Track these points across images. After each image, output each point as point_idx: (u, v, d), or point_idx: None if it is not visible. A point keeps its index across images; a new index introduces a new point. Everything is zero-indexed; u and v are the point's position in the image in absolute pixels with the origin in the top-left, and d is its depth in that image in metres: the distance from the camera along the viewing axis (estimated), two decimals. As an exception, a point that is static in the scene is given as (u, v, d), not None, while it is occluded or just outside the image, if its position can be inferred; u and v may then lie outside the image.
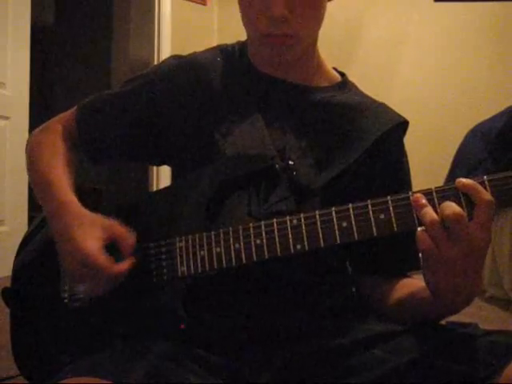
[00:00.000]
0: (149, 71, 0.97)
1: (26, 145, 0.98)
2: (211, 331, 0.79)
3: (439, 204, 0.65)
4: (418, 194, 0.65)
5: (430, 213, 0.64)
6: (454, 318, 0.80)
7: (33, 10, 3.07)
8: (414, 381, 0.70)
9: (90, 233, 0.78)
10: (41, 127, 1.00)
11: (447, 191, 0.65)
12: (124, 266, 0.77)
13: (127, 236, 0.79)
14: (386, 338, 0.76)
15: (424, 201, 0.65)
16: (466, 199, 0.64)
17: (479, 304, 2.42)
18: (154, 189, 3.60)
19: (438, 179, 2.91)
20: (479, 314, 2.17)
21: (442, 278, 0.66)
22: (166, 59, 0.98)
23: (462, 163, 2.76)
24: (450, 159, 2.89)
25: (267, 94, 0.90)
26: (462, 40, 3.86)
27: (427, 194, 0.66)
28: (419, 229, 0.66)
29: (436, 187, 0.66)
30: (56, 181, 0.87)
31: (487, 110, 2.86)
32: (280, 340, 0.79)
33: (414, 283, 0.84)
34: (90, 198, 0.92)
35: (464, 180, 0.64)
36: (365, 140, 0.86)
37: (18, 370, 0.92)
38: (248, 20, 0.86)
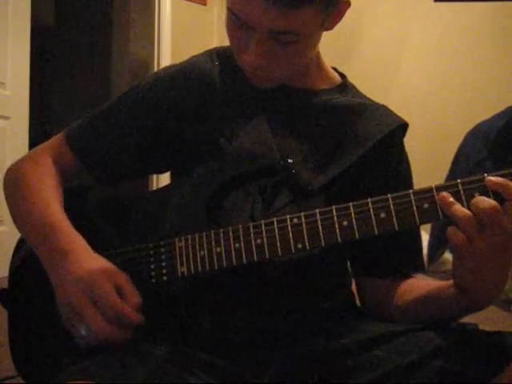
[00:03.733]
0: (145, 82, 0.93)
1: (6, 176, 0.90)
2: (211, 332, 0.79)
3: (466, 199, 0.65)
4: (444, 193, 0.65)
5: (461, 209, 0.64)
6: (454, 318, 0.80)
7: (33, 10, 3.07)
8: (414, 381, 0.70)
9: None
10: (25, 158, 0.93)
11: (473, 187, 0.65)
12: (140, 316, 0.74)
13: (134, 294, 0.75)
14: (386, 338, 0.76)
15: (451, 199, 0.65)
16: (494, 194, 0.64)
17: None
18: (154, 188, 3.59)
19: (438, 179, 2.90)
20: (479, 314, 2.17)
21: (472, 271, 0.68)
22: (161, 68, 0.96)
23: (462, 163, 2.76)
24: (450, 159, 2.89)
25: (269, 99, 0.89)
26: (462, 40, 3.85)
27: (452, 187, 0.66)
28: (450, 227, 0.65)
29: (461, 181, 0.66)
30: (56, 219, 0.80)
31: (487, 110, 2.85)
32: (280, 341, 0.79)
33: (428, 283, 0.83)
34: (77, 197, 0.90)
35: (493, 178, 0.64)
36: (365, 142, 0.86)
37: (17, 371, 0.92)
38: (234, 50, 0.84)
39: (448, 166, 2.90)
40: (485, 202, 0.63)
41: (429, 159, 3.45)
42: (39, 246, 0.80)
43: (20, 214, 0.86)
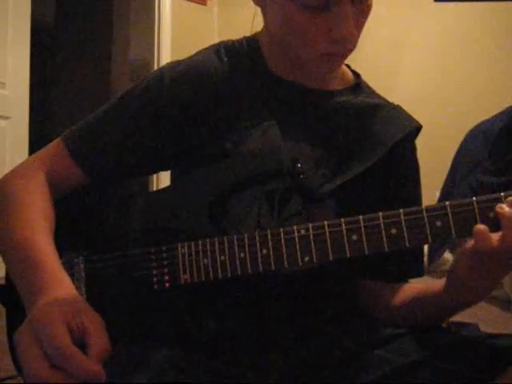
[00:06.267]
0: (148, 81, 0.88)
1: None
2: (215, 336, 0.78)
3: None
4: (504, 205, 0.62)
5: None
6: (454, 318, 0.80)
7: (33, 10, 3.06)
8: (414, 381, 0.70)
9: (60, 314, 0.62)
10: (15, 173, 0.85)
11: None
12: (97, 367, 0.58)
13: (100, 339, 0.62)
14: (388, 339, 0.76)
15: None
16: None
17: (479, 304, 2.40)
18: (154, 189, 3.59)
19: (437, 179, 2.91)
20: (479, 314, 2.17)
21: (488, 272, 0.66)
22: (166, 66, 0.90)
23: (462, 163, 2.76)
24: (450, 159, 2.89)
25: (283, 99, 0.86)
26: (462, 40, 3.85)
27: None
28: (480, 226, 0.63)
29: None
30: (40, 252, 0.72)
31: (487, 110, 2.85)
32: (283, 344, 0.79)
33: (416, 286, 0.84)
34: (74, 199, 0.87)
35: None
36: (380, 147, 0.84)
37: (16, 370, 0.92)
38: (304, 41, 0.79)
39: (448, 166, 2.90)
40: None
41: (429, 159, 3.44)
42: (17, 280, 0.72)
43: (4, 238, 0.77)
